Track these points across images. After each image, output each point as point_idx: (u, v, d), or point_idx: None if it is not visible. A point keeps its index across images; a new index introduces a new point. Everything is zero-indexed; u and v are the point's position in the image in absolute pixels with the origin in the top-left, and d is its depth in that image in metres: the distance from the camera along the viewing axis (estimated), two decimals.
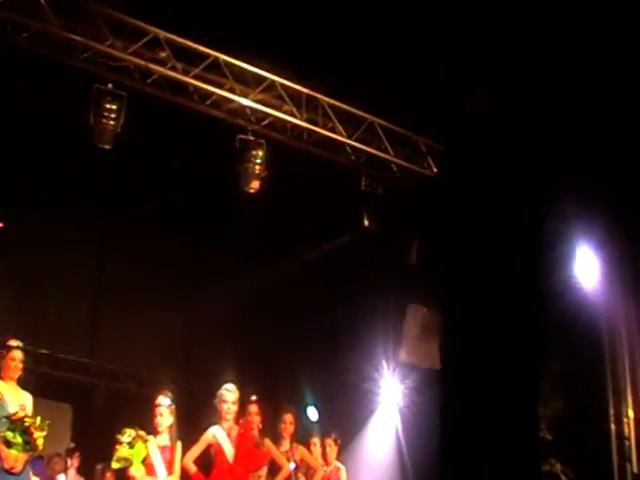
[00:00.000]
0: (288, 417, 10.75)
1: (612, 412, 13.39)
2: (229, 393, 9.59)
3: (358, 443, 14.38)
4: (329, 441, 11.27)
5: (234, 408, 9.59)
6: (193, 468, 9.36)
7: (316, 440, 11.38)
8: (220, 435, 9.46)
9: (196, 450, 9.44)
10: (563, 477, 13.35)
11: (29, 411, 8.95)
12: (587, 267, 13.54)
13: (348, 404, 14.53)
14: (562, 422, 13.27)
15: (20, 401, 8.94)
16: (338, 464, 11.24)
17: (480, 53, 5.28)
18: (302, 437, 11.50)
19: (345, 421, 13.74)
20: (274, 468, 10.32)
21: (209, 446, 9.48)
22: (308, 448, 11.25)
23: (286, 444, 10.62)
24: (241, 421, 9.93)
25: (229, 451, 9.40)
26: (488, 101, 5.24)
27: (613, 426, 13.33)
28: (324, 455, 11.24)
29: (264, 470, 10.16)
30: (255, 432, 10.01)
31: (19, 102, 11.80)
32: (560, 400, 13.42)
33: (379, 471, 13.75)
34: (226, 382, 9.74)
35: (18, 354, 9.06)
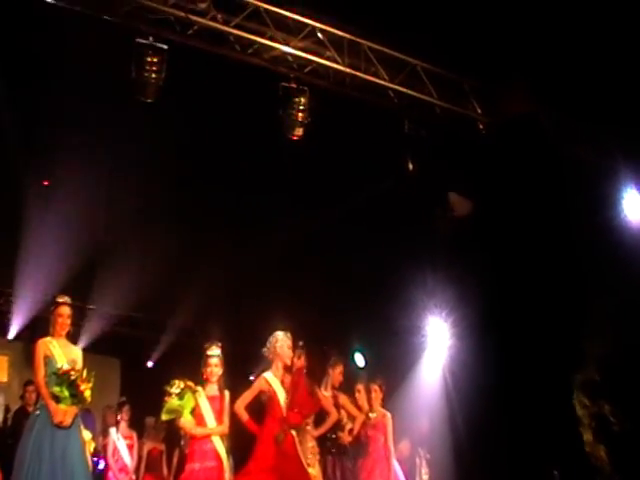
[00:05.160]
0: (339, 367, 10.91)
1: None
2: (287, 340, 9.61)
3: (405, 388, 14.46)
4: (374, 387, 11.35)
5: (289, 354, 9.62)
6: (245, 415, 9.31)
7: (361, 387, 11.46)
8: (274, 382, 9.47)
9: (248, 396, 9.39)
10: (612, 419, 13.36)
11: (79, 365, 9.08)
12: (635, 205, 13.47)
13: (395, 350, 14.57)
14: (611, 362, 13.24)
15: (70, 356, 9.07)
16: (383, 410, 11.34)
17: None
18: (348, 383, 11.64)
19: (392, 367, 13.82)
20: (320, 414, 10.47)
21: (261, 392, 9.46)
22: (353, 394, 11.39)
23: (329, 389, 10.75)
24: (295, 368, 10.00)
25: (282, 398, 9.43)
26: None
27: None
28: (369, 401, 11.33)
29: (312, 416, 10.29)
30: (307, 379, 10.11)
31: (63, 59, 11.81)
32: (608, 339, 13.39)
33: (427, 415, 13.84)
34: (276, 330, 9.75)
35: (65, 310, 9.19)
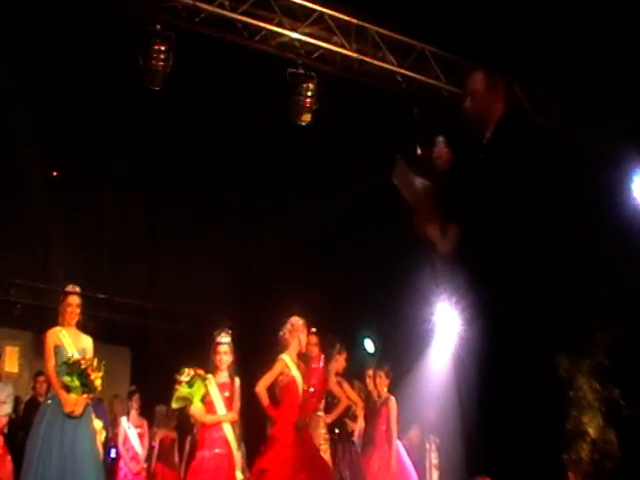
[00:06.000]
0: (344, 354, 10.92)
1: None
2: (303, 326, 9.59)
3: (415, 375, 14.44)
4: (380, 373, 11.42)
5: (305, 340, 9.60)
6: (267, 399, 9.20)
7: (371, 372, 11.54)
8: (292, 366, 9.41)
9: (269, 378, 9.29)
10: (622, 402, 13.36)
11: (89, 354, 9.07)
12: None
13: (404, 336, 14.53)
14: (621, 347, 13.22)
15: (80, 345, 9.07)
16: (388, 395, 11.39)
17: None
18: (358, 369, 11.66)
19: (401, 353, 13.81)
20: (329, 401, 10.47)
21: (279, 375, 9.35)
22: (364, 380, 11.45)
23: (333, 376, 10.76)
24: (313, 355, 10.02)
25: (300, 384, 9.42)
26: None
27: None
28: (375, 386, 11.41)
29: (323, 403, 10.28)
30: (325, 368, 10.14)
31: (71, 49, 11.81)
32: (617, 325, 13.36)
33: (436, 402, 13.83)
34: (288, 317, 9.72)
35: (74, 299, 9.17)
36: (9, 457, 10.36)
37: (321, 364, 9.97)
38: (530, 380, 4.98)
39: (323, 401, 10.29)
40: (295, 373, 9.35)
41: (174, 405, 9.41)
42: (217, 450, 9.15)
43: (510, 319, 5.00)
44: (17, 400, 12.66)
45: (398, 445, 11.37)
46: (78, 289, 9.26)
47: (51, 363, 8.89)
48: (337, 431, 10.70)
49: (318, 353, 10.14)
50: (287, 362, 9.36)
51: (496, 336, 5.00)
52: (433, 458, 13.40)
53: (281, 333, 9.52)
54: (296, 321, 9.53)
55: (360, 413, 11.13)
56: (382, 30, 12.14)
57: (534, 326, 5.03)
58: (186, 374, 9.25)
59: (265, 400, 9.22)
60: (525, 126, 5.55)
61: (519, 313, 5.01)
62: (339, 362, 10.83)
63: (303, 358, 9.62)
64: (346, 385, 10.89)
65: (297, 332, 9.46)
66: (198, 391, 9.26)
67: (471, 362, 5.05)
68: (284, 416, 9.17)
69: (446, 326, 14.46)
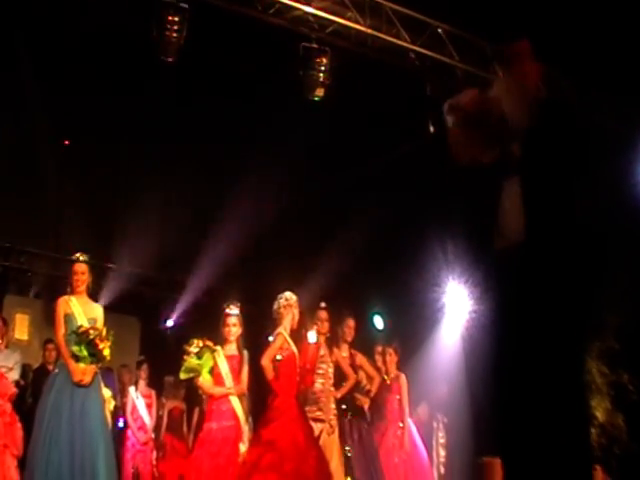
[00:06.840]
0: (351, 322, 10.88)
1: None
2: (296, 302, 9.59)
3: (424, 352, 14.44)
4: (389, 350, 11.47)
5: (297, 316, 9.60)
6: (272, 372, 9.23)
7: (380, 349, 11.55)
8: (290, 341, 9.48)
9: (272, 352, 9.33)
10: (630, 387, 13.34)
11: (100, 323, 9.10)
12: None
13: (414, 313, 14.53)
14: (630, 331, 13.19)
15: (90, 314, 9.09)
16: (398, 372, 11.41)
17: None
18: (368, 345, 11.65)
19: (411, 331, 13.81)
20: (339, 376, 10.46)
21: (280, 348, 9.37)
22: (373, 356, 11.45)
23: (345, 350, 10.74)
24: (324, 330, 10.04)
25: (297, 355, 9.44)
26: None
27: None
28: (384, 364, 11.42)
29: (330, 372, 10.23)
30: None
31: (81, 18, 11.77)
32: (627, 308, 13.32)
33: (445, 380, 13.83)
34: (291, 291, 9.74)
35: (80, 267, 9.20)
36: (19, 424, 10.39)
37: (313, 340, 9.96)
38: (540, 360, 4.98)
39: (332, 376, 10.29)
40: (294, 348, 9.37)
41: (182, 376, 9.46)
42: (225, 422, 9.22)
43: (520, 298, 5.00)
44: (26, 368, 12.69)
45: (410, 423, 11.42)
46: (85, 257, 9.27)
47: (61, 332, 8.92)
48: (344, 407, 10.67)
49: (325, 331, 10.14)
50: (285, 335, 9.38)
51: (505, 315, 5.01)
52: (440, 437, 13.42)
53: (275, 307, 9.53)
54: (290, 296, 9.55)
55: (375, 388, 11.09)
56: (396, 7, 12.07)
57: (545, 306, 5.03)
58: (195, 345, 9.30)
59: (270, 373, 9.25)
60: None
61: (529, 292, 5.01)
62: (346, 331, 10.78)
63: (295, 334, 9.64)
64: (360, 357, 10.87)
65: (291, 308, 9.48)
66: (207, 363, 9.31)
67: (480, 341, 5.06)
68: (285, 390, 9.20)
69: (456, 304, 14.48)
